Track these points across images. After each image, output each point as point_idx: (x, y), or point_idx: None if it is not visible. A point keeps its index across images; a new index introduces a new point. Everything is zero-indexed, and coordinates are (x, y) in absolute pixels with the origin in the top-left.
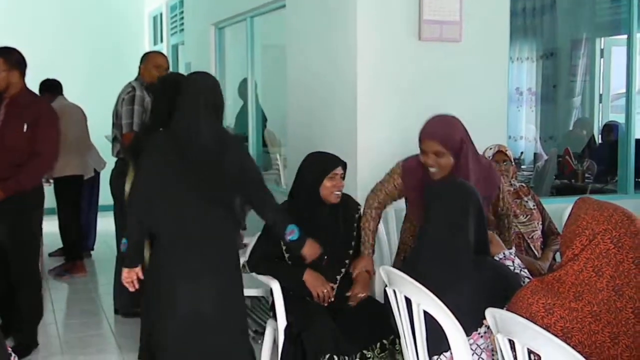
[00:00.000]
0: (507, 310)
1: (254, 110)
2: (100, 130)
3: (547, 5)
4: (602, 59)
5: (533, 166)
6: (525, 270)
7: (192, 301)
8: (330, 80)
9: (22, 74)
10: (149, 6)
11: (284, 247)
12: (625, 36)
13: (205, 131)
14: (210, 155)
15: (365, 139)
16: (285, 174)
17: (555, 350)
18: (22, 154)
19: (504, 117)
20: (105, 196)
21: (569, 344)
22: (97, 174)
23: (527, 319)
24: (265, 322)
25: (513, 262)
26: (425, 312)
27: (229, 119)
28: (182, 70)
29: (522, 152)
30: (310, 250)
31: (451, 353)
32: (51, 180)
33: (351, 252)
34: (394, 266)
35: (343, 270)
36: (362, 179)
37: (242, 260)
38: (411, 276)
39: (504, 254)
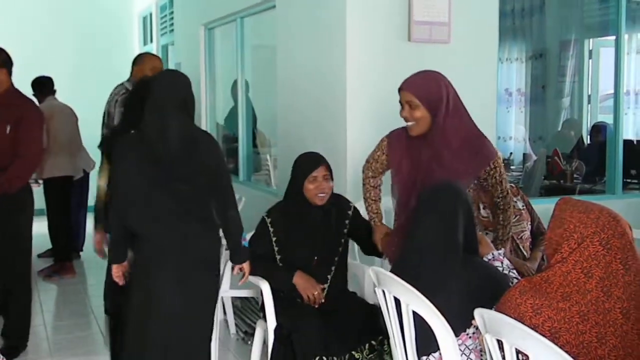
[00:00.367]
0: (496, 310)
1: (244, 110)
2: (88, 131)
3: (536, 6)
4: (590, 60)
5: (522, 167)
6: (514, 271)
7: (166, 300)
8: (320, 80)
9: (9, 73)
10: (138, 6)
11: (276, 249)
12: (614, 37)
13: (174, 130)
14: (180, 154)
15: (354, 139)
16: (275, 175)
17: (543, 350)
18: (5, 156)
19: (493, 118)
20: (94, 197)
21: (556, 344)
22: (87, 174)
23: (515, 319)
24: (255, 323)
25: (502, 262)
26: (414, 313)
27: (219, 119)
28: None
29: (511, 153)
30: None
31: (440, 353)
32: (40, 182)
33: (341, 249)
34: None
35: (333, 268)
36: (351, 178)
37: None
38: (400, 277)
39: (492, 254)
